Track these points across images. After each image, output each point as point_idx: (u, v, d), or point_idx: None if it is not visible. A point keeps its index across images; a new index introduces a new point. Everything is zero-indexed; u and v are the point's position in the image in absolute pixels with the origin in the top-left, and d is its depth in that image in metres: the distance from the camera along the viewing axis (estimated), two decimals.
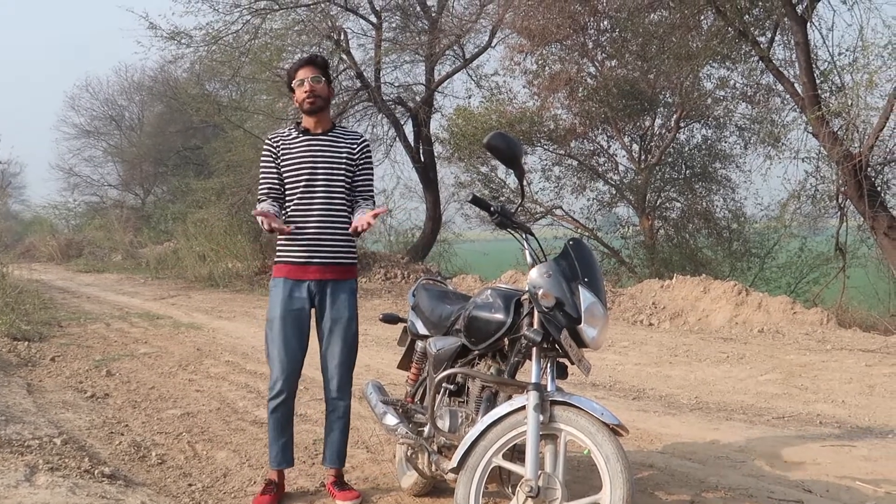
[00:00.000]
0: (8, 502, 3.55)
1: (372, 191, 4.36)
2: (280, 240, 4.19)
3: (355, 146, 4.26)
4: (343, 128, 4.37)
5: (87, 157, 37.34)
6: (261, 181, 4.28)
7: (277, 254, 4.23)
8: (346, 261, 4.22)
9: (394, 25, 18.89)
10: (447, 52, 18.76)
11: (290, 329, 4.11)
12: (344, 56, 17.14)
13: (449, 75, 19.34)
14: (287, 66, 16.51)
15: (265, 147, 4.29)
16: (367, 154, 4.33)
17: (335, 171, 4.17)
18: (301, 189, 4.14)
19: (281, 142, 4.24)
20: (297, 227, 4.12)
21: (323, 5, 16.98)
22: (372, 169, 4.36)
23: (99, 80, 51.49)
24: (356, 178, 4.27)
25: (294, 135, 4.24)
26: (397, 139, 19.16)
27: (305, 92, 4.15)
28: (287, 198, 4.20)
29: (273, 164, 4.23)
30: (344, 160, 4.20)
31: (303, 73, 4.17)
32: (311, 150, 4.17)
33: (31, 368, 8.01)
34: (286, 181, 4.19)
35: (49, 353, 8.80)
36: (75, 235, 32.23)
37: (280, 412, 4.16)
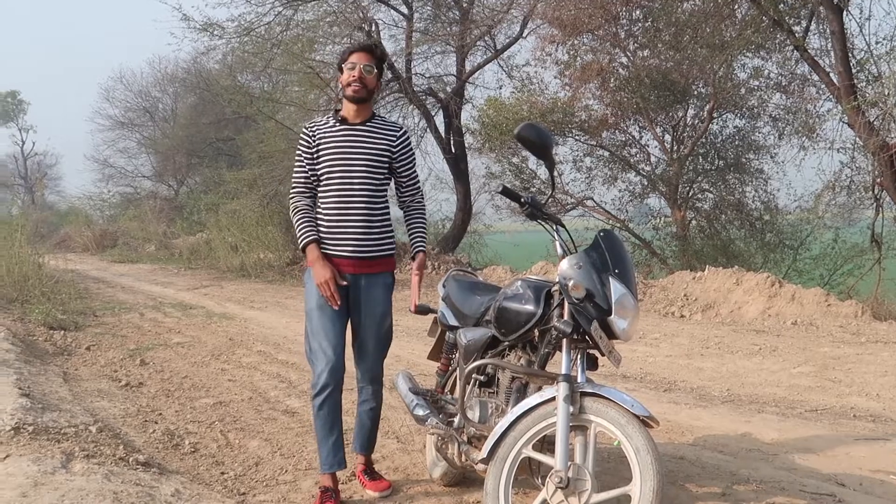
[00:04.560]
0: (45, 488, 3.61)
1: (417, 181, 4.30)
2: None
3: (395, 139, 4.14)
4: (382, 118, 4.24)
5: (121, 149, 37.84)
6: (295, 173, 4.14)
7: None
8: (383, 253, 4.13)
9: (425, 16, 18.92)
10: (478, 43, 18.71)
11: (329, 319, 3.98)
12: (376, 43, 17.16)
13: (480, 66, 19.28)
14: (317, 57, 16.69)
15: (302, 137, 4.13)
16: (409, 145, 4.22)
17: (373, 164, 4.05)
18: (337, 181, 4.02)
19: (318, 130, 4.09)
20: (333, 220, 4.03)
21: None
22: (414, 159, 4.28)
23: (133, 71, 51.90)
24: (400, 171, 4.19)
25: (331, 124, 4.10)
26: (428, 130, 19.13)
27: (353, 77, 3.99)
28: (322, 188, 4.08)
29: (309, 156, 4.07)
30: (382, 152, 4.09)
31: (356, 58, 4.01)
32: (348, 141, 4.05)
33: (67, 357, 8.13)
34: (321, 171, 4.06)
35: (84, 342, 8.93)
36: (110, 226, 32.57)
37: (327, 407, 3.97)
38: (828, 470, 4.49)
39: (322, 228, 4.06)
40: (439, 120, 19.03)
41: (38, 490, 3.58)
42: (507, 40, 18.87)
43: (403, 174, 4.22)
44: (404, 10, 17.99)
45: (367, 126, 4.12)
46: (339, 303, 3.96)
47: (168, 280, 18.04)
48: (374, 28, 17.36)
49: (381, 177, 4.12)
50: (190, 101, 34.10)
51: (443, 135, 18.89)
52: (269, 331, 10.09)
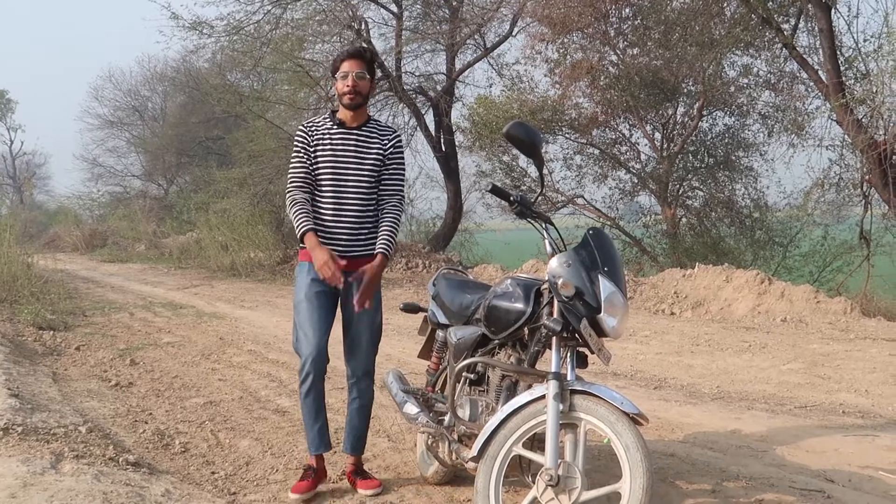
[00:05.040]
0: (35, 489, 3.60)
1: (399, 186, 4.27)
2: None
3: (387, 142, 4.20)
4: (377, 121, 4.30)
5: (110, 148, 37.60)
6: (295, 168, 4.14)
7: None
8: (371, 252, 4.16)
9: (415, 14, 18.92)
10: (468, 41, 18.70)
11: (316, 310, 4.05)
12: (365, 46, 17.14)
13: (470, 64, 19.27)
14: (307, 56, 16.66)
15: (299, 134, 4.18)
16: (398, 149, 4.25)
17: (363, 169, 4.12)
18: (329, 184, 4.10)
19: (316, 132, 4.14)
20: (325, 220, 4.10)
21: None
22: (401, 165, 4.28)
23: (122, 70, 51.75)
24: (384, 174, 4.22)
25: (328, 126, 4.15)
26: (418, 129, 19.13)
27: (348, 87, 4.05)
28: (316, 188, 4.14)
29: (307, 153, 4.12)
30: (374, 157, 4.15)
31: (348, 66, 4.06)
32: (344, 146, 4.12)
33: (57, 357, 8.10)
34: (316, 173, 4.12)
35: (74, 342, 8.89)
36: (99, 226, 32.39)
37: (312, 395, 4.08)
38: (817, 466, 4.51)
39: (330, 231, 4.12)
40: (429, 118, 19.05)
41: (27, 491, 3.57)
42: (497, 38, 18.88)
43: (387, 175, 4.23)
44: (394, 8, 17.96)
45: (363, 130, 4.18)
46: (342, 281, 3.95)
47: (158, 279, 17.98)
48: (363, 26, 17.34)
49: (374, 180, 4.19)
50: (179, 100, 33.96)
51: (433, 133, 18.88)
52: (260, 330, 10.08)
